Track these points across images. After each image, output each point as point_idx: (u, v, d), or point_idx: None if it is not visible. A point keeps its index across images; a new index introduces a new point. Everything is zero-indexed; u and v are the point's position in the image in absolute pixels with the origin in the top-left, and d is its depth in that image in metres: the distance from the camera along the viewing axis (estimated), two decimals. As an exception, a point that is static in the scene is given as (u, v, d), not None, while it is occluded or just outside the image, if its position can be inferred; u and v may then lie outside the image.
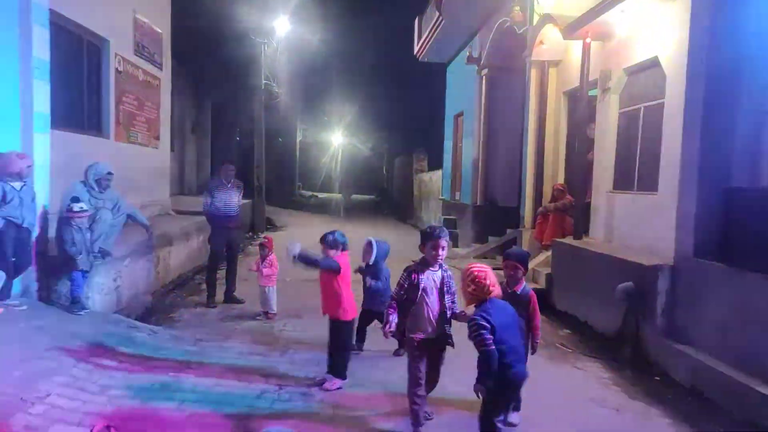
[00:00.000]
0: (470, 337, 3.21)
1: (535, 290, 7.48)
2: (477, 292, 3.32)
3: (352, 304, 4.50)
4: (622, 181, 7.07)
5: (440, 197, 16.89)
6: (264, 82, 16.01)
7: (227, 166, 7.45)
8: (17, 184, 5.10)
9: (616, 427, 4.12)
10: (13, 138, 5.38)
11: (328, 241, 4.41)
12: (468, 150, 13.71)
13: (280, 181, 26.72)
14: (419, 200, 21.69)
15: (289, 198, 28.10)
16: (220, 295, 7.40)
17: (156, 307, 7.10)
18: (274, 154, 24.02)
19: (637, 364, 5.43)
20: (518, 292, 3.99)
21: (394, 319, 3.68)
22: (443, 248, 3.66)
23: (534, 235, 9.04)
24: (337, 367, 4.43)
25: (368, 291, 5.37)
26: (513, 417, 3.92)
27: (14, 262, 5.13)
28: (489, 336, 3.14)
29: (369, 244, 5.28)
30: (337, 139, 40.39)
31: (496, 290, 3.34)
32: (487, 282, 3.30)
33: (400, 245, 8.07)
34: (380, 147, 37.79)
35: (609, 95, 7.28)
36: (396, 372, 4.55)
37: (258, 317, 6.68)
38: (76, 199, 5.43)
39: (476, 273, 3.32)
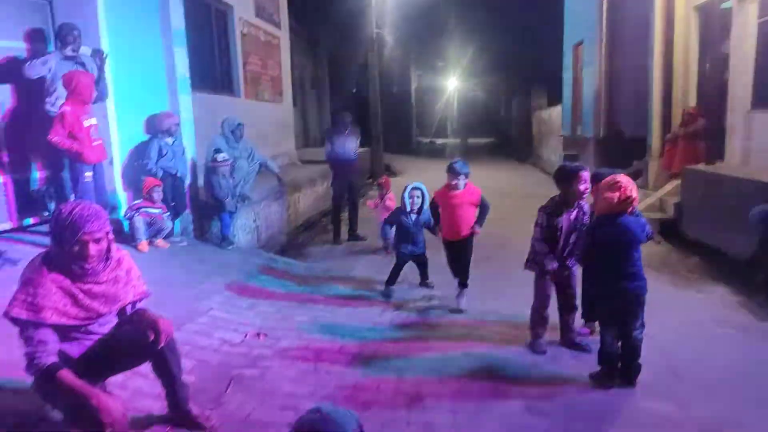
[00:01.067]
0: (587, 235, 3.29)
1: (664, 220, 7.40)
2: (617, 203, 3.16)
3: None
4: (763, 98, 6.42)
5: (560, 134, 16.24)
6: (376, 31, 16.22)
7: (343, 114, 7.96)
8: (169, 140, 5.91)
9: (740, 346, 4.01)
10: (161, 100, 6.19)
11: (454, 169, 4.83)
12: (589, 81, 12.98)
13: (396, 129, 27.08)
14: (538, 139, 20.99)
15: (406, 145, 28.48)
16: (344, 234, 8.02)
17: (289, 245, 7.90)
18: (390, 103, 24.32)
19: (772, 290, 5.12)
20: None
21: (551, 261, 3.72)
22: (586, 181, 3.59)
23: (662, 164, 8.54)
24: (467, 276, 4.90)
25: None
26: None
27: (173, 207, 6.02)
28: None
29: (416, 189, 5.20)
30: (453, 84, 39.73)
31: (635, 205, 3.24)
32: (632, 194, 3.17)
33: (520, 183, 8.13)
34: (497, 88, 36.59)
35: (746, 4, 6.55)
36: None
37: (378, 252, 7.18)
38: (218, 150, 6.19)
39: (624, 183, 3.18)
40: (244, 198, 6.54)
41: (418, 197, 5.15)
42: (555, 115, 17.77)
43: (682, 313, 4.62)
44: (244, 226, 6.84)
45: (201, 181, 6.48)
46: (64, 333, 2.53)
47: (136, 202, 5.61)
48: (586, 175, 3.59)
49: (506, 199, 10.30)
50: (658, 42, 8.67)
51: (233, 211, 6.31)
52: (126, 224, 5.52)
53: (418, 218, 5.18)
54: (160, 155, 5.82)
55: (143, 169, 5.75)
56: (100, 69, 5.23)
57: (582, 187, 3.57)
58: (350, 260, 6.91)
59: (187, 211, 6.32)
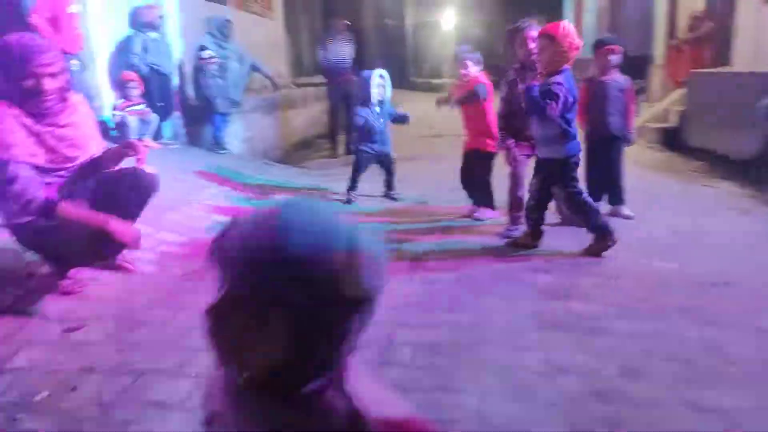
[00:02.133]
0: (540, 102, 2.89)
1: (666, 129, 7.23)
2: (563, 54, 2.90)
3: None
4: (777, -10, 6.12)
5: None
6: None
7: (338, 19, 7.59)
8: (153, 35, 5.59)
9: (744, 223, 3.95)
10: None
11: (460, 58, 4.10)
12: (593, 1, 12.50)
13: (390, 65, 26.34)
14: (537, 70, 20.48)
15: (399, 81, 27.79)
16: (341, 149, 7.83)
17: (285, 159, 7.71)
18: (384, 35, 23.55)
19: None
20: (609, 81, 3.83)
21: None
22: (533, 40, 3.27)
23: (667, 73, 8.29)
24: (486, 198, 4.08)
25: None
26: (623, 210, 3.92)
27: (162, 107, 5.78)
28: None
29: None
30: (451, 20, 38.47)
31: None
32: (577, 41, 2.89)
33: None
34: (497, 23, 35.38)
35: None
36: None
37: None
38: (203, 48, 5.89)
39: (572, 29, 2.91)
40: (235, 103, 6.28)
41: (382, 85, 4.54)
42: (555, 41, 17.24)
43: (689, 201, 4.56)
44: (237, 134, 6.62)
45: (192, 89, 6.21)
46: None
47: (118, 102, 5.33)
48: (531, 33, 3.27)
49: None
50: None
51: (225, 114, 6.08)
52: (112, 125, 5.29)
53: (382, 110, 4.59)
54: (145, 51, 5.53)
55: (127, 64, 5.46)
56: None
57: (526, 49, 3.28)
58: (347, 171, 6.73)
59: (177, 113, 6.09)
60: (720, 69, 6.65)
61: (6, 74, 2.21)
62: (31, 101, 2.24)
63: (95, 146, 2.51)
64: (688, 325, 2.32)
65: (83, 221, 2.28)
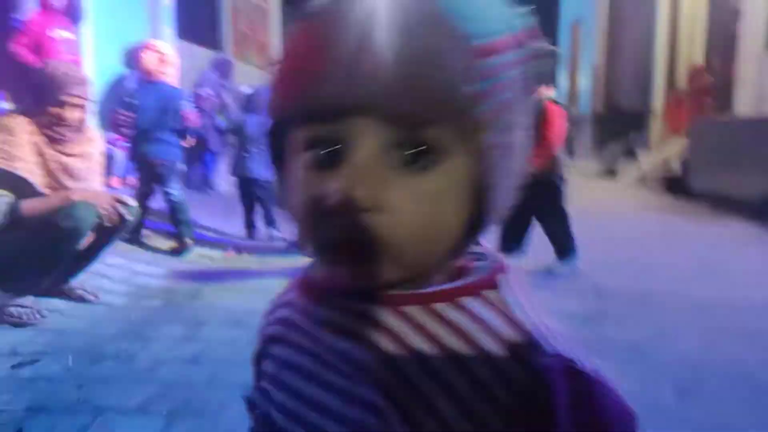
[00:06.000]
0: None
1: (670, 177, 7.12)
2: None
3: None
4: (777, 37, 6.16)
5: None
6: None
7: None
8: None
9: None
10: (141, 28, 5.76)
11: None
12: (586, 58, 12.76)
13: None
14: (532, 129, 20.79)
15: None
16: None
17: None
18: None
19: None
20: None
21: None
22: None
23: (667, 123, 8.28)
24: None
25: None
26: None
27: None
28: None
29: None
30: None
31: None
32: None
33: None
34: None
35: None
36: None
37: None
38: (200, 84, 5.79)
39: None
40: (228, 142, 6.12)
41: None
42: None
43: (705, 238, 4.37)
44: (226, 174, 6.41)
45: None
46: None
47: (109, 136, 5.16)
48: None
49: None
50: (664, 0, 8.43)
51: (216, 153, 5.89)
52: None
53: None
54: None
55: (121, 102, 5.31)
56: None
57: None
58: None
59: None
60: (723, 116, 6.60)
61: (36, 96, 2.34)
62: (50, 126, 2.32)
63: (96, 183, 2.54)
64: (740, 348, 2.04)
65: (47, 208, 2.22)
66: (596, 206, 6.12)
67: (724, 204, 5.99)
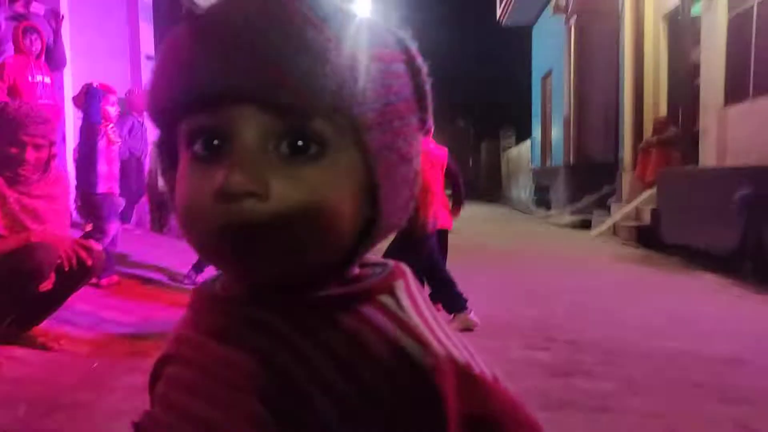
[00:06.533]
0: None
1: (640, 227, 7.27)
2: None
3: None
4: (735, 92, 6.46)
5: (530, 166, 16.37)
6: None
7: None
8: (141, 119, 5.46)
9: (742, 311, 3.75)
10: (123, 74, 5.82)
11: None
12: (558, 110, 13.18)
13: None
14: (507, 178, 21.19)
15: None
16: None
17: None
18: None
19: (760, 276, 4.93)
20: None
21: None
22: None
23: (636, 174, 8.50)
24: None
25: None
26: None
27: (133, 192, 5.53)
28: None
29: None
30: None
31: None
32: None
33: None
34: (464, 137, 37.28)
35: (715, 1, 6.70)
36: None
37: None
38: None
39: None
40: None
41: None
42: (524, 149, 17.99)
43: (677, 291, 4.42)
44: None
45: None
46: None
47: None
48: None
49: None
50: (629, 54, 8.82)
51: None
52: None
53: None
54: (129, 134, 5.39)
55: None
56: (56, 33, 4.85)
57: None
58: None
59: (143, 199, 5.85)
60: (689, 167, 6.83)
61: None
62: (10, 166, 2.27)
63: (62, 224, 2.48)
64: (711, 402, 2.02)
65: (7, 250, 2.17)
66: (570, 257, 6.21)
67: (695, 255, 6.11)
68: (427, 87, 0.44)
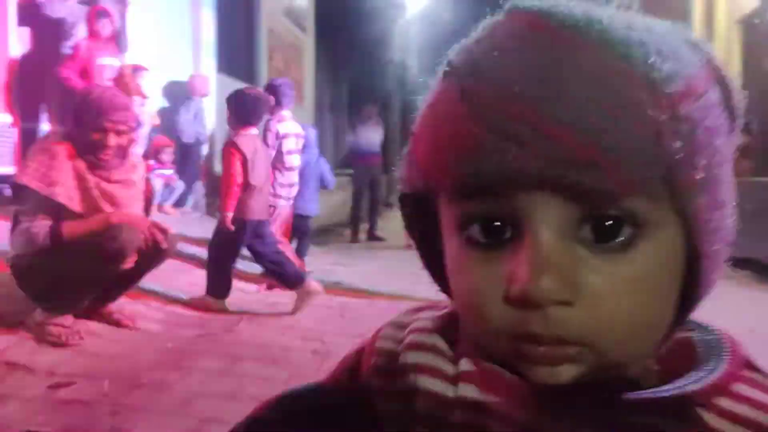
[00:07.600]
0: None
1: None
2: None
3: None
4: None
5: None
6: (397, 56, 16.29)
7: (367, 106, 7.71)
8: (201, 104, 5.62)
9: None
10: (185, 62, 5.95)
11: None
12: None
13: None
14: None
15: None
16: (363, 233, 7.59)
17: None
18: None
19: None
20: None
21: None
22: None
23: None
24: None
25: None
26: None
27: (190, 175, 5.65)
28: None
29: None
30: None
31: None
32: None
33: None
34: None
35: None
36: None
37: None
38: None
39: None
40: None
41: None
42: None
43: (754, 305, 4.21)
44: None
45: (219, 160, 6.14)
46: None
47: (148, 162, 5.25)
48: None
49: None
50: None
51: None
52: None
53: None
54: (194, 118, 5.54)
55: (171, 131, 5.45)
56: (122, 17, 4.97)
57: None
58: (367, 255, 6.44)
59: (201, 183, 5.95)
60: (759, 178, 6.50)
61: (79, 121, 2.33)
62: (92, 151, 2.32)
63: (137, 210, 2.54)
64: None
65: (88, 231, 2.21)
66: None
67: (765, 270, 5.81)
68: (740, 108, 0.34)
